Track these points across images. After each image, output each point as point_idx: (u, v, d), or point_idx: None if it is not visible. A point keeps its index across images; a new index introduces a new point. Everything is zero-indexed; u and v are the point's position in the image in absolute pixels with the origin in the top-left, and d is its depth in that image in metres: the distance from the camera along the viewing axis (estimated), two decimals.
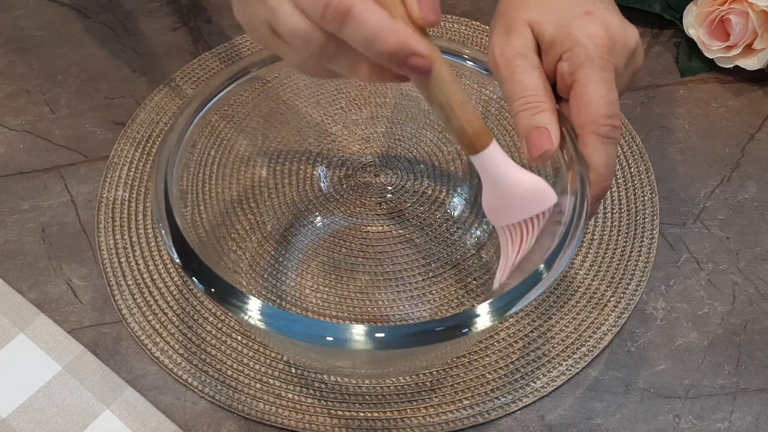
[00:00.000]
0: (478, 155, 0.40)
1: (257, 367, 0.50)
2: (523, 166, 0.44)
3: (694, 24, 0.65)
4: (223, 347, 0.50)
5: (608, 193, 0.58)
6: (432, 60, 0.35)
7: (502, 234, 0.44)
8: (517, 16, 0.44)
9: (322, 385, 0.49)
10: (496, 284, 0.44)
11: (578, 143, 0.43)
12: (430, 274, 0.54)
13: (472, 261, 0.54)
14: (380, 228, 0.56)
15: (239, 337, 0.51)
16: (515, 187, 0.41)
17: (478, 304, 0.38)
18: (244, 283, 0.51)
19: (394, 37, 0.33)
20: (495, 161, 0.40)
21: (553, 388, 0.49)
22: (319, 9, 0.33)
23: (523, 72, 0.43)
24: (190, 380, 0.49)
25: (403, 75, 0.35)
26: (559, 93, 0.44)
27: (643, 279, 0.54)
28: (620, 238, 0.56)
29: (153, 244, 0.55)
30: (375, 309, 0.52)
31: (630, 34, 0.43)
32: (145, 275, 0.53)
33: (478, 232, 0.55)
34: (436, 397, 0.49)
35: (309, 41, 0.34)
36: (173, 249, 0.39)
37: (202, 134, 0.47)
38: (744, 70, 0.64)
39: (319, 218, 0.56)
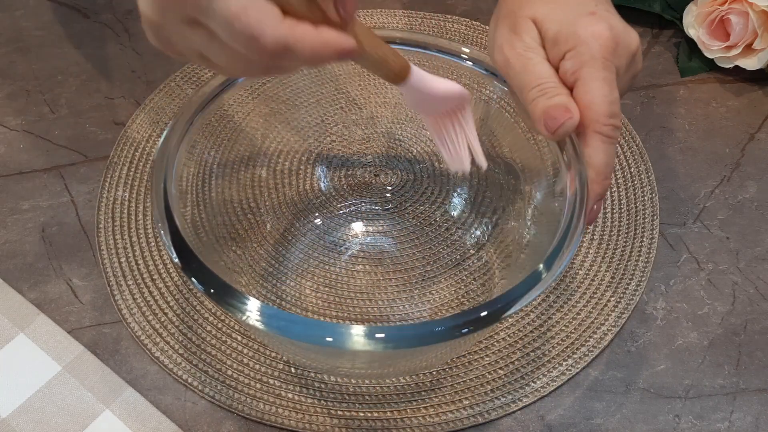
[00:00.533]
0: (407, 82, 0.41)
1: (257, 367, 0.50)
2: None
3: (694, 24, 0.65)
4: (223, 347, 0.50)
5: (608, 193, 0.58)
6: (359, 45, 0.36)
7: (429, 123, 0.45)
8: (521, 14, 0.45)
9: (322, 385, 0.49)
10: (461, 168, 0.45)
11: (578, 142, 0.43)
12: (430, 274, 0.54)
13: (472, 261, 0.54)
14: (380, 228, 0.56)
15: (239, 337, 0.51)
16: (437, 92, 0.43)
17: (477, 304, 0.38)
18: (243, 283, 0.51)
19: (328, 50, 0.34)
20: (421, 79, 0.42)
21: (553, 388, 0.49)
22: (254, 53, 0.33)
23: (536, 63, 0.43)
24: (190, 380, 0.49)
25: None
26: None
27: (643, 279, 0.54)
28: (620, 238, 0.56)
29: (153, 244, 0.55)
30: (375, 309, 0.52)
31: (632, 36, 0.44)
32: (145, 275, 0.53)
33: (478, 232, 0.55)
34: (436, 397, 0.49)
35: (248, 66, 0.34)
36: (172, 249, 0.39)
37: (202, 134, 0.47)
38: (744, 70, 0.64)
39: (319, 218, 0.56)
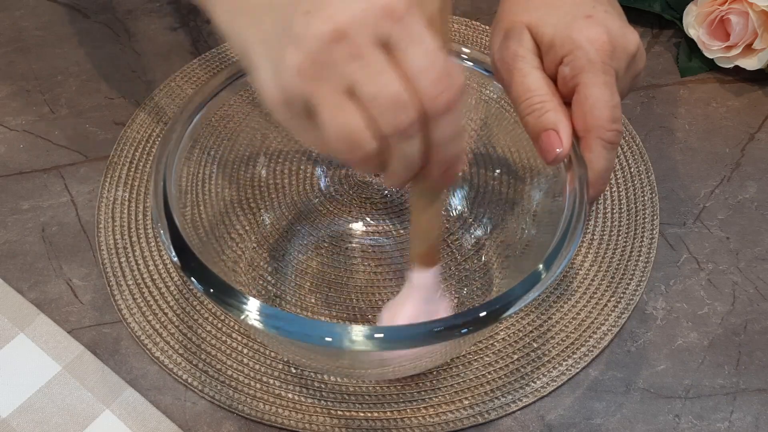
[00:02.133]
0: (432, 268, 0.44)
1: (257, 367, 0.50)
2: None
3: (694, 24, 0.65)
4: (223, 347, 0.50)
5: (608, 193, 0.58)
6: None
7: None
8: (516, 19, 0.44)
9: (322, 385, 0.49)
10: None
11: (579, 146, 0.43)
12: None
13: (472, 261, 0.54)
14: (380, 228, 0.56)
15: (239, 337, 0.51)
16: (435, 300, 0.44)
17: (477, 304, 0.38)
18: (243, 283, 0.51)
19: (449, 176, 0.36)
20: (436, 280, 0.44)
21: (553, 388, 0.49)
22: (433, 86, 0.32)
23: (523, 74, 0.43)
24: (190, 380, 0.49)
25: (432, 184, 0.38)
26: (561, 97, 0.44)
27: (643, 279, 0.54)
28: (620, 238, 0.56)
29: (153, 244, 0.55)
30: (375, 309, 0.52)
31: (630, 38, 0.43)
32: (145, 275, 0.53)
33: (478, 232, 0.55)
34: (436, 397, 0.49)
35: (401, 111, 0.32)
36: (172, 249, 0.39)
37: (202, 134, 0.47)
38: (744, 70, 0.64)
39: (318, 218, 0.56)
